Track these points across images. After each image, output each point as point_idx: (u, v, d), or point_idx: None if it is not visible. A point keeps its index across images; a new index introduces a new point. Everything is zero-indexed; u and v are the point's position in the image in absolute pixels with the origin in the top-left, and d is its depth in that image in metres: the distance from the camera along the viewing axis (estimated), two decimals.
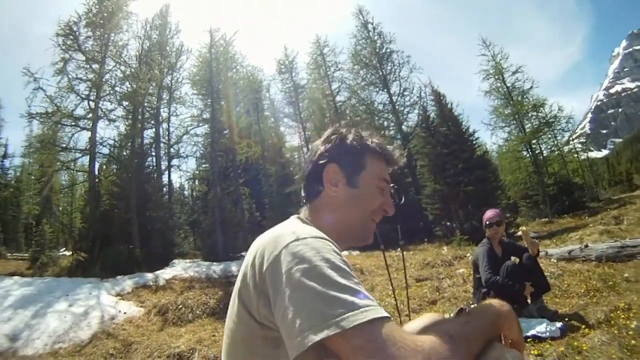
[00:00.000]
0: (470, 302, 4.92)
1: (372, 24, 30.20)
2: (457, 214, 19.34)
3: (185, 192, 33.86)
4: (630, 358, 3.38)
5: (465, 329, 1.00)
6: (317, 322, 0.89)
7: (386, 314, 0.92)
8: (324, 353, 0.94)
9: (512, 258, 5.05)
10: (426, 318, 1.39)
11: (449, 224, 19.91)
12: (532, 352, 3.80)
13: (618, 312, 4.48)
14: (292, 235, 1.04)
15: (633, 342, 3.63)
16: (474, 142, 21.48)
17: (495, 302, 1.20)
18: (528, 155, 27.11)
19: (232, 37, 23.82)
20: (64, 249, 24.61)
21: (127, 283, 10.50)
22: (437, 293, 6.68)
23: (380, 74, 28.94)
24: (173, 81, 24.82)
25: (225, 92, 22.55)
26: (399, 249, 10.21)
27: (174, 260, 16.44)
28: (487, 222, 5.14)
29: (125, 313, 8.13)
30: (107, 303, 8.62)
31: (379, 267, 9.99)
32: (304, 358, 0.91)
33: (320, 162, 1.32)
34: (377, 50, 29.41)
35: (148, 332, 7.06)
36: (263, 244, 1.08)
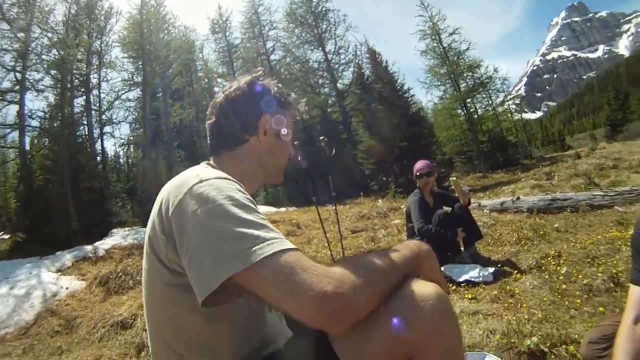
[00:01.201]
0: None
1: None
2: (392, 169, 20.05)
3: (121, 160, 32.93)
4: (561, 300, 3.55)
5: (380, 260, 1.02)
6: (224, 260, 0.92)
7: (294, 246, 0.96)
8: (236, 292, 0.99)
9: (444, 207, 5.25)
10: None
11: (385, 178, 20.53)
12: (466, 296, 3.95)
13: (549, 259, 4.74)
14: (196, 178, 1.08)
15: (564, 286, 3.83)
16: (409, 99, 22.34)
17: (413, 242, 1.23)
18: (463, 113, 28.54)
19: None
20: (2, 232, 23.50)
21: (67, 258, 10.25)
22: (373, 243, 6.89)
23: (316, 32, 29.18)
24: (103, 45, 23.76)
25: (157, 54, 22.07)
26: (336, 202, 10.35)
27: (113, 230, 15.90)
28: (418, 173, 5.33)
29: (67, 288, 8.00)
30: (48, 280, 8.46)
31: (315, 221, 10.05)
32: (215, 299, 0.95)
33: (249, 110, 1.37)
34: (313, 8, 29.50)
35: (91, 304, 6.97)
36: (168, 190, 1.12)
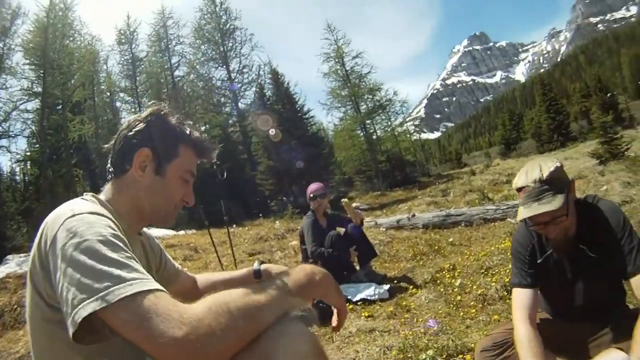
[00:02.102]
0: None
1: None
2: (291, 189, 20.34)
3: (17, 177, 30.36)
4: (456, 311, 3.69)
5: (249, 298, 1.00)
6: (86, 297, 0.91)
7: (155, 287, 0.95)
8: (108, 330, 0.95)
9: (337, 228, 5.36)
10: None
11: (284, 198, 20.77)
12: (363, 314, 3.98)
13: (443, 272, 4.95)
14: (70, 212, 1.08)
15: (459, 297, 3.98)
16: (309, 120, 23.22)
17: (309, 267, 1.23)
18: (362, 134, 29.71)
19: (73, 1, 22.75)
20: None
21: None
22: None
23: (222, 50, 29.35)
24: (5, 48, 22.41)
25: (60, 63, 21.32)
26: (234, 224, 10.15)
27: (7, 257, 14.69)
28: (311, 195, 5.40)
29: None
30: None
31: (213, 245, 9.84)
32: (90, 337, 0.95)
33: (134, 141, 1.33)
34: (222, 25, 29.66)
35: None
36: (46, 223, 1.10)
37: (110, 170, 1.38)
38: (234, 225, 11.88)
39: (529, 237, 2.23)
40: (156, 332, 0.86)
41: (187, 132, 1.40)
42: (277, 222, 13.64)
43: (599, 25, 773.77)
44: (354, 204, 10.56)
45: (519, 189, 2.04)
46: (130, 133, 1.34)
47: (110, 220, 1.13)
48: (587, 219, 2.07)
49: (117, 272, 0.95)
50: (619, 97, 45.59)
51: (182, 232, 13.49)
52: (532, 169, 2.01)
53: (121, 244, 1.04)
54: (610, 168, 10.01)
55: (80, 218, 1.06)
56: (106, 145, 1.40)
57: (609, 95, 40.97)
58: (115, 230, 1.09)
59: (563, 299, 2.29)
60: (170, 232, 13.43)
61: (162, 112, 1.38)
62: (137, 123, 1.35)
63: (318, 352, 1.03)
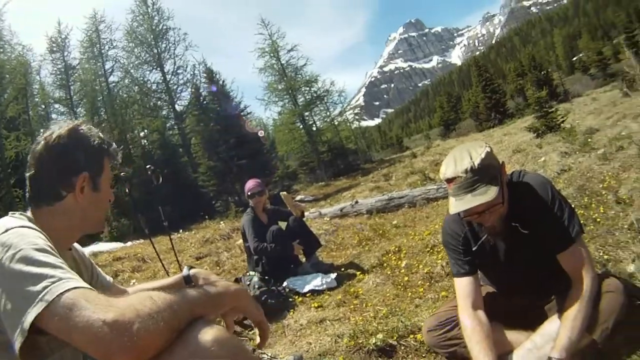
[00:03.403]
0: (246, 272, 5.10)
1: None
2: (234, 188, 20.19)
3: None
4: (404, 292, 3.74)
5: (169, 295, 1.08)
6: (29, 303, 0.96)
7: (87, 286, 1.03)
8: (49, 347, 1.04)
9: (279, 223, 5.36)
10: None
11: (229, 198, 20.84)
12: (312, 305, 4.00)
13: (389, 255, 5.03)
14: (2, 228, 1.14)
15: (406, 278, 4.03)
16: (247, 117, 23.26)
17: (223, 283, 1.36)
18: (302, 126, 29.97)
19: (1, 9, 22.42)
20: None
21: None
22: (218, 267, 6.85)
23: (155, 52, 28.71)
24: None
25: None
26: (181, 229, 9.93)
27: None
28: (249, 193, 5.40)
29: None
30: None
31: (161, 252, 9.59)
32: (33, 345, 0.99)
33: (66, 167, 1.38)
34: (154, 27, 28.92)
35: None
36: None
37: (38, 198, 1.38)
38: (181, 230, 11.75)
39: (459, 228, 2.29)
40: (87, 318, 0.92)
41: (105, 143, 1.48)
42: (221, 222, 13.53)
43: (532, 8, 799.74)
44: (298, 197, 10.41)
45: (449, 180, 1.99)
46: (59, 158, 1.37)
47: (41, 232, 1.19)
48: (517, 196, 2.09)
49: (52, 272, 1.02)
50: (554, 74, 47.36)
51: (129, 244, 13.11)
52: (461, 158, 1.96)
53: (53, 251, 1.11)
54: (547, 140, 10.33)
55: (13, 232, 1.12)
56: (27, 173, 1.39)
57: (543, 72, 42.58)
58: (46, 241, 1.15)
59: (505, 276, 2.41)
60: (118, 245, 13.12)
61: (81, 130, 1.42)
62: (58, 146, 1.37)
63: (232, 353, 1.06)
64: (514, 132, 18.16)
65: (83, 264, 1.60)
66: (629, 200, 4.17)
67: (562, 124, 11.84)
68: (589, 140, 8.29)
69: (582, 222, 3.93)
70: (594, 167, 5.99)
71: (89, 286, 1.03)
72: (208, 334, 1.05)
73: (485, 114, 38.61)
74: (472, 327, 2.11)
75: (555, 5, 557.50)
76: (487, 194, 1.87)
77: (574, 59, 76.06)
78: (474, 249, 2.21)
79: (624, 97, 14.46)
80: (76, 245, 1.58)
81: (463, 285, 2.25)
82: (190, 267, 1.78)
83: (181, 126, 27.35)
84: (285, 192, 5.52)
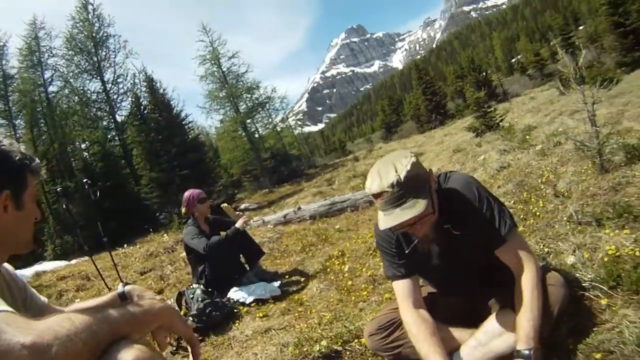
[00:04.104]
0: (190, 285, 5.00)
1: (92, 4, 28.42)
2: (177, 199, 19.77)
3: None
4: (348, 297, 3.74)
5: (90, 315, 1.07)
6: None
7: (8, 309, 1.02)
8: None
9: (222, 233, 5.26)
10: None
11: (173, 209, 20.24)
12: (257, 315, 3.97)
13: (333, 259, 5.06)
14: None
15: (349, 282, 4.03)
16: (187, 125, 23.16)
17: (148, 302, 1.31)
18: (244, 134, 30.02)
19: None
20: None
21: None
22: (162, 282, 6.74)
23: (95, 60, 27.95)
24: None
25: None
26: (125, 244, 9.63)
27: None
28: (197, 200, 5.28)
29: None
30: None
31: (105, 269, 9.38)
32: None
33: None
34: (94, 34, 28.12)
35: None
36: None
37: None
38: (125, 245, 11.41)
39: (391, 231, 2.22)
40: (9, 343, 0.90)
41: (27, 158, 1.41)
42: (165, 235, 13.28)
43: (472, 13, 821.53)
44: (242, 205, 10.29)
45: (375, 195, 1.93)
46: None
47: None
48: (445, 200, 2.08)
49: None
50: (493, 75, 48.80)
51: (74, 262, 12.65)
52: (386, 171, 1.90)
53: None
54: (487, 139, 10.62)
55: None
56: None
57: (482, 74, 43.88)
58: None
59: (443, 277, 2.41)
60: (62, 263, 12.67)
61: (2, 146, 1.34)
62: None
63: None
64: (455, 132, 18.64)
65: (16, 286, 1.55)
66: (568, 193, 4.26)
67: (500, 123, 12.22)
68: (527, 137, 8.51)
69: (522, 216, 4.08)
70: (532, 162, 6.15)
71: (10, 309, 1.02)
72: (128, 355, 1.04)
73: (426, 116, 39.46)
74: (417, 325, 2.10)
75: (495, 10, 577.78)
76: (416, 207, 1.84)
77: (513, 60, 78.58)
78: (406, 251, 2.18)
79: (560, 95, 15.03)
80: (7, 265, 1.52)
81: (402, 287, 2.24)
82: (126, 284, 1.70)
83: (122, 137, 26.77)
84: (225, 204, 5.43)
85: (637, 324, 2.02)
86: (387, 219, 1.88)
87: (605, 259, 2.57)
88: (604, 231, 3.02)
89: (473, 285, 2.33)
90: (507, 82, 51.23)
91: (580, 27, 64.92)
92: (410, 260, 2.22)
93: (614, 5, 23.15)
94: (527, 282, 2.00)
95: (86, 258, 12.86)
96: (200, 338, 3.67)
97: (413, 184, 1.87)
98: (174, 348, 3.52)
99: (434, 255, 2.23)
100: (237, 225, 4.91)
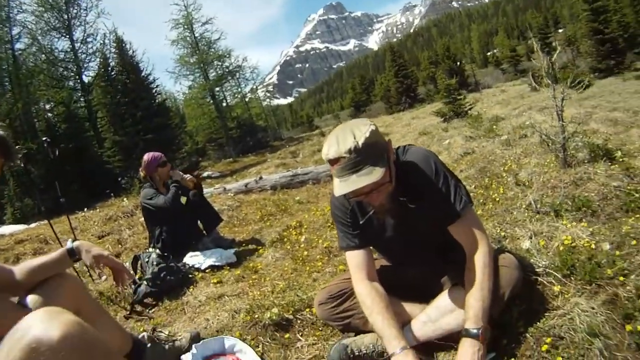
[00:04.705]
0: (145, 249, 4.93)
1: None
2: (140, 164, 19.47)
3: None
4: (302, 267, 3.79)
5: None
6: None
7: None
8: None
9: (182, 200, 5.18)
10: None
11: (135, 174, 19.84)
12: (212, 281, 3.98)
13: (290, 230, 5.10)
14: None
15: (305, 253, 4.09)
16: (154, 89, 22.85)
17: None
18: (211, 101, 29.85)
19: None
20: None
21: None
22: (120, 245, 6.73)
23: (65, 17, 26.98)
24: None
25: None
26: (86, 208, 9.50)
27: None
28: (158, 162, 5.13)
29: None
30: None
31: (63, 232, 9.32)
32: None
33: None
34: None
35: None
36: None
37: None
38: (86, 209, 11.15)
39: (346, 201, 2.23)
40: None
41: None
42: (125, 199, 13.12)
43: (453, 3, 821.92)
44: (205, 173, 10.25)
45: (332, 161, 1.89)
46: None
47: None
48: (403, 172, 2.07)
49: None
50: (467, 65, 49.27)
51: (33, 225, 12.37)
52: (344, 137, 1.86)
53: None
54: (454, 125, 10.76)
55: None
56: None
57: (456, 63, 44.18)
58: None
59: (397, 250, 2.43)
60: (21, 227, 12.47)
61: None
62: None
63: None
64: (423, 116, 18.77)
65: None
66: (529, 183, 4.32)
67: (469, 111, 12.36)
68: (494, 127, 8.62)
69: (481, 201, 4.14)
70: (496, 151, 6.24)
71: None
72: (55, 330, 1.04)
73: (396, 98, 39.63)
74: (372, 298, 2.09)
75: (477, 2, 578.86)
76: (373, 175, 1.81)
77: (488, 53, 79.20)
78: (361, 222, 2.17)
79: (532, 91, 15.27)
80: None
81: (355, 258, 2.23)
82: (74, 240, 1.77)
83: (88, 98, 26.12)
84: (174, 170, 5.26)
85: (588, 312, 2.05)
86: (343, 185, 1.85)
87: (561, 248, 2.61)
88: (561, 222, 3.09)
89: (427, 260, 2.34)
90: (480, 73, 51.82)
91: (560, 30, 65.66)
92: (365, 231, 2.21)
93: (596, 13, 23.82)
94: (479, 261, 2.01)
95: (46, 222, 12.68)
96: (153, 303, 3.68)
97: (371, 151, 1.84)
98: (128, 312, 3.51)
99: (388, 227, 2.22)
100: (175, 177, 4.92)
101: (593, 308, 2.09)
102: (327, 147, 1.90)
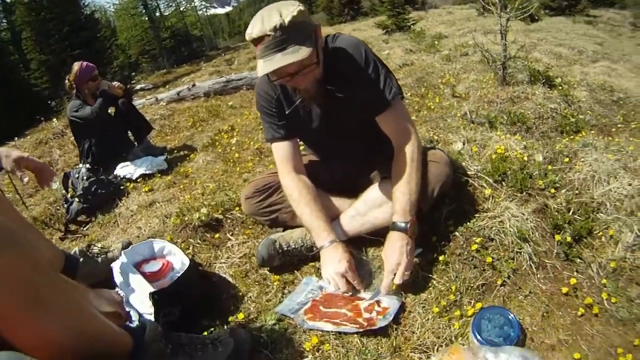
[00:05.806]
0: (75, 165, 4.99)
1: None
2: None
3: None
4: (233, 168, 3.85)
5: None
6: None
7: None
8: None
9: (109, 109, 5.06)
10: None
11: (64, 94, 18.90)
12: (143, 189, 3.93)
13: (222, 134, 5.10)
14: None
15: (236, 155, 4.14)
16: (82, 1, 21.56)
17: None
18: (144, 11, 28.54)
19: None
20: None
21: None
22: (52, 167, 6.34)
23: None
24: None
25: None
26: (16, 137, 8.91)
27: None
28: (89, 75, 4.82)
29: None
30: None
31: None
32: None
33: None
34: None
35: None
36: None
37: None
38: (16, 138, 10.54)
39: (272, 89, 2.16)
40: None
41: None
42: (54, 120, 12.61)
43: None
44: (138, 86, 9.97)
45: (256, 41, 1.81)
46: None
47: None
48: (331, 59, 2.00)
49: None
50: None
51: None
52: (269, 16, 1.77)
53: None
54: (395, 38, 10.69)
55: None
56: None
57: None
58: None
59: (324, 143, 2.40)
60: None
61: None
62: None
63: None
64: (364, 28, 18.55)
65: None
66: (465, 95, 4.38)
67: (412, 26, 12.22)
68: (436, 43, 8.60)
69: (416, 107, 4.18)
70: (436, 65, 6.30)
71: None
72: None
73: (338, 9, 38.72)
74: (299, 190, 2.10)
75: None
76: (299, 53, 1.73)
77: None
78: (287, 112, 2.11)
79: (479, 15, 15.18)
80: None
81: (281, 150, 2.20)
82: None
83: (10, 19, 24.43)
84: (101, 80, 5.00)
85: (519, 218, 2.12)
86: (267, 65, 1.77)
87: (494, 156, 2.66)
88: (495, 132, 3.16)
89: (354, 152, 2.33)
90: None
91: None
92: (291, 121, 2.17)
93: None
94: (407, 153, 2.01)
95: None
96: (87, 220, 3.64)
97: (298, 31, 1.76)
98: (62, 233, 3.44)
99: (315, 117, 2.17)
100: (102, 87, 4.71)
101: (523, 214, 2.16)
102: (251, 27, 1.82)
